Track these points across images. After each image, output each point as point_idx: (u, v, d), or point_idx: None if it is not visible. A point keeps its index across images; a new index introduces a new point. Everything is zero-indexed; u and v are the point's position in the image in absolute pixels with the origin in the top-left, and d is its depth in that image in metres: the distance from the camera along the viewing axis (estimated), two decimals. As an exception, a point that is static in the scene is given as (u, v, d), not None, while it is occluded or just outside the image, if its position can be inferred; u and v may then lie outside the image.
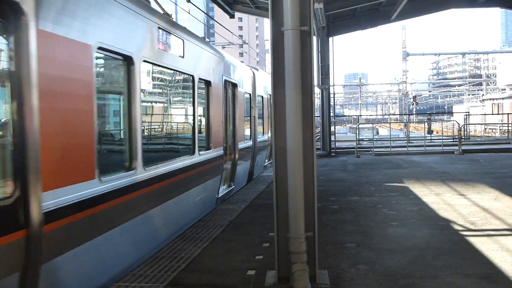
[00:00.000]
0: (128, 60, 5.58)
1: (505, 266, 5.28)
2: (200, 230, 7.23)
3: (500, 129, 35.64)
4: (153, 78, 6.80)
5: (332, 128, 21.23)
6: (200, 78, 8.30)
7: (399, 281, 4.89)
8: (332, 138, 20.64)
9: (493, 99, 45.51)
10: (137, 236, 5.75)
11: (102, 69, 5.28)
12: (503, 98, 42.75)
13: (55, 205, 4.05)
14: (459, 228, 7.03)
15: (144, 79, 6.06)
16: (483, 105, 49.72)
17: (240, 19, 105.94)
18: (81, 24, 4.50)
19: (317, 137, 21.54)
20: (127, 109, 5.63)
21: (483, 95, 59.62)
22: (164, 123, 7.46)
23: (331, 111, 20.80)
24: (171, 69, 7.07)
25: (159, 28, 6.47)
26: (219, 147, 9.52)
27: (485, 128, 38.19)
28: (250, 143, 12.85)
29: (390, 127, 27.41)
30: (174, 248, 6.29)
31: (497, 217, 7.65)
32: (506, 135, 28.73)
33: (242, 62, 14.39)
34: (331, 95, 20.76)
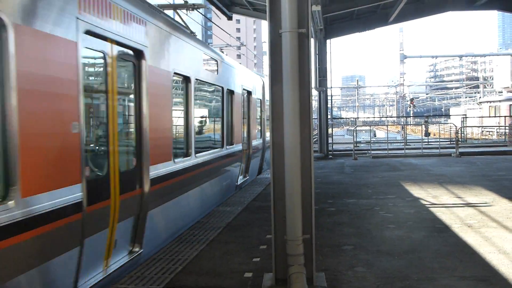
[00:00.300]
0: (187, 79, 7.89)
1: (502, 269, 5.29)
2: (197, 232, 7.21)
3: (497, 132, 35.70)
4: (201, 91, 9.10)
5: (330, 130, 21.24)
6: (227, 89, 10.61)
7: (396, 284, 4.89)
8: (330, 140, 20.65)
9: (490, 102, 45.53)
10: (194, 202, 8.19)
11: (174, 87, 7.38)
12: (500, 101, 42.73)
13: (155, 175, 6.22)
14: (456, 230, 7.04)
15: (195, 91, 8.29)
16: (480, 108, 49.73)
17: (238, 21, 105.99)
18: (166, 59, 6.84)
19: (315, 140, 21.57)
20: (185, 113, 7.94)
21: (480, 97, 59.73)
22: (205, 123, 9.78)
23: (329, 113, 20.80)
24: (210, 83, 9.46)
25: (204, 54, 8.88)
26: (239, 143, 11.70)
27: (482, 131, 38.25)
28: (260, 141, 14.76)
29: (387, 130, 27.43)
30: (171, 250, 6.28)
31: (494, 220, 7.66)
32: (503, 137, 28.79)
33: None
34: (329, 97, 20.78)
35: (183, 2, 11.37)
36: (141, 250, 5.93)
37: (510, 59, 53.45)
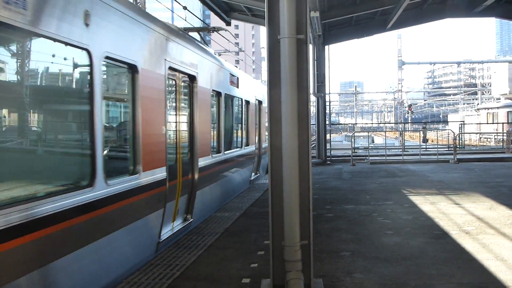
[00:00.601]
0: (219, 94, 10.15)
1: (500, 275, 5.28)
2: (195, 238, 7.20)
3: (495, 138, 35.76)
4: (227, 102, 11.28)
5: (328, 136, 21.25)
6: (245, 100, 12.96)
7: (394, 290, 4.88)
8: (328, 146, 20.65)
9: (488, 108, 45.65)
10: (223, 188, 10.45)
11: (212, 100, 9.52)
12: (498, 107, 42.85)
13: (201, 165, 8.40)
14: (454, 237, 7.04)
15: (224, 103, 10.63)
16: (478, 114, 49.86)
17: (237, 26, 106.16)
18: (208, 80, 9.08)
19: (313, 145, 21.55)
20: (217, 120, 10.18)
21: (478, 104, 59.85)
22: (230, 128, 11.80)
23: (327, 119, 20.78)
24: (233, 96, 11.70)
25: (230, 73, 11.24)
26: (253, 144, 13.90)
27: (480, 137, 38.31)
28: None
29: (385, 136, 27.43)
30: (169, 255, 6.27)
31: (492, 227, 7.66)
32: (501, 144, 28.81)
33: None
34: (327, 103, 20.79)
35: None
36: (191, 220, 8.03)
37: (508, 66, 53.64)
